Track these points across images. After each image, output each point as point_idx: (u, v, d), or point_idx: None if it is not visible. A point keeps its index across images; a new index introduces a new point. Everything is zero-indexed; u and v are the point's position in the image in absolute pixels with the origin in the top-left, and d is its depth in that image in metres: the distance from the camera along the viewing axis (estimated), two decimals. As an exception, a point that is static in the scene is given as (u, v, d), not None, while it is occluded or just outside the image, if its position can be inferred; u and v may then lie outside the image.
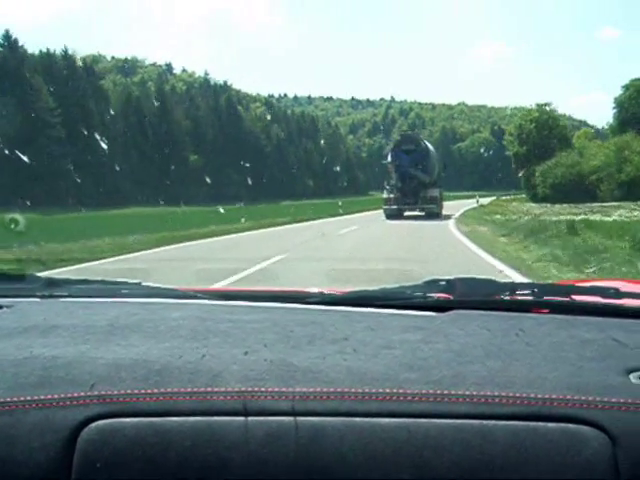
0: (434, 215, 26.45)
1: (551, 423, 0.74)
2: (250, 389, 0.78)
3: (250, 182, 67.06)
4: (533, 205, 38.48)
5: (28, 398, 0.79)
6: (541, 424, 0.74)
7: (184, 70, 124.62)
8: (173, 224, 19.12)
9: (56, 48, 64.14)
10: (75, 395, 0.79)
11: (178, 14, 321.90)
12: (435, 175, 29.41)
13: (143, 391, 0.79)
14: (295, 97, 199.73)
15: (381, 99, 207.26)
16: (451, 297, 1.14)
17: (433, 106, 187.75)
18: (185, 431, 0.75)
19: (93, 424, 0.76)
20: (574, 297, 1.16)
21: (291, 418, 0.75)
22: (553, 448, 0.72)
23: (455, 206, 33.80)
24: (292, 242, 15.35)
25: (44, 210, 32.17)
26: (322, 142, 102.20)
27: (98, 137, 57.82)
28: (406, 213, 27.31)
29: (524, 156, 53.81)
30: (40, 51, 62.53)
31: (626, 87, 56.88)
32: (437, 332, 0.96)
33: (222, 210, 24.39)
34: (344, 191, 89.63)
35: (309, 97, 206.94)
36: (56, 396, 0.79)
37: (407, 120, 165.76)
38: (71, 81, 58.88)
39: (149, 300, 1.23)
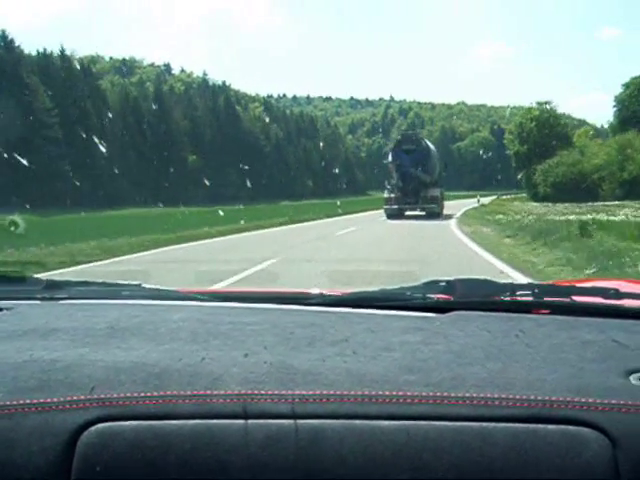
0: (435, 215, 26.24)
1: (551, 425, 0.74)
2: (250, 392, 0.78)
3: (249, 183, 66.84)
4: (535, 204, 38.11)
5: (28, 402, 0.79)
6: (541, 426, 0.74)
7: (182, 70, 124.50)
8: (168, 226, 18.66)
9: (53, 49, 63.82)
10: (75, 398, 0.79)
11: (177, 14, 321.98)
12: (436, 175, 29.18)
13: (143, 394, 0.79)
14: (294, 97, 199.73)
15: (380, 99, 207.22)
16: (451, 298, 1.13)
17: (432, 105, 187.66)
18: (185, 434, 0.75)
19: (93, 427, 0.77)
20: (574, 298, 1.14)
21: (291, 421, 0.75)
22: (553, 450, 0.72)
23: (455, 206, 33.43)
24: (286, 245, 14.68)
25: (41, 212, 31.89)
26: (321, 142, 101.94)
27: (97, 140, 57.52)
28: (407, 213, 27.13)
29: (525, 155, 53.58)
30: (37, 51, 62.20)
31: (626, 85, 56.68)
32: (437, 333, 0.95)
33: (221, 212, 24.15)
34: (343, 191, 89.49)
35: (308, 97, 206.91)
36: (55, 399, 0.79)
37: (406, 120, 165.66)
38: (68, 82, 58.41)
39: (150, 302, 1.21)
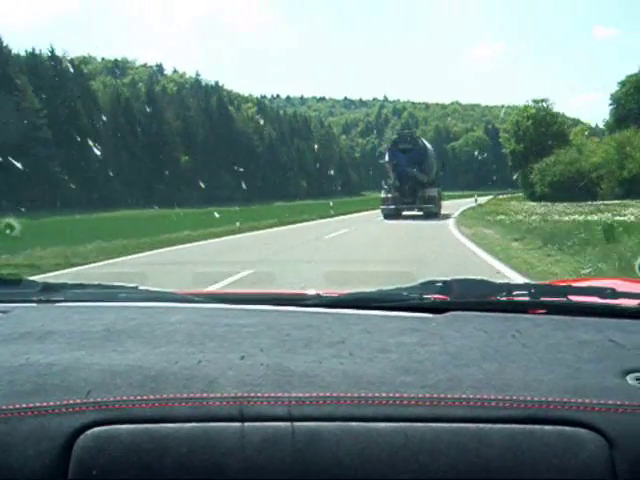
0: (432, 215, 25.90)
1: (548, 426, 0.74)
2: (246, 394, 0.78)
3: (243, 183, 66.12)
4: (533, 204, 37.45)
5: (24, 406, 0.79)
6: (538, 427, 0.74)
7: (175, 71, 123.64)
8: (153, 229, 17.94)
9: (43, 49, 62.83)
10: (71, 402, 0.79)
11: (170, 15, 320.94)
12: (433, 174, 28.83)
13: (139, 397, 0.79)
14: (288, 98, 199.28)
15: (374, 99, 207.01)
16: (447, 298, 1.13)
17: (426, 105, 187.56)
18: (181, 437, 0.75)
19: (89, 431, 0.77)
20: (571, 297, 1.14)
21: (287, 423, 0.75)
22: (550, 451, 0.73)
23: (451, 206, 32.76)
24: (267, 251, 13.18)
25: (30, 214, 31.18)
26: (315, 143, 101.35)
27: (91, 143, 56.70)
28: (404, 213, 26.80)
29: (521, 154, 52.90)
30: (26, 51, 61.28)
31: (622, 83, 56.26)
32: (433, 334, 0.96)
33: (217, 215, 23.50)
34: (337, 192, 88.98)
35: (302, 97, 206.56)
36: (52, 403, 0.79)
37: (400, 120, 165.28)
38: (58, 82, 57.52)
39: (146, 304, 1.20)
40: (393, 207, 26.54)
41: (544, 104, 55.15)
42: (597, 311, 1.09)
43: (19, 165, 44.33)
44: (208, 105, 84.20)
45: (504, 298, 1.14)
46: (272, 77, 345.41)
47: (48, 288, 1.29)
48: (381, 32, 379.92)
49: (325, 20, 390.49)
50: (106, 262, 11.15)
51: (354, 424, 0.75)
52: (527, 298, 1.15)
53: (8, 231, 12.20)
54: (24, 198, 38.20)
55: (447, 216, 26.34)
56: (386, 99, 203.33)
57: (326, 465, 0.73)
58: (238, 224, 19.86)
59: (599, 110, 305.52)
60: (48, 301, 1.24)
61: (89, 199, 49.43)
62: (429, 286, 1.18)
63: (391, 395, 0.77)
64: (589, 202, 34.31)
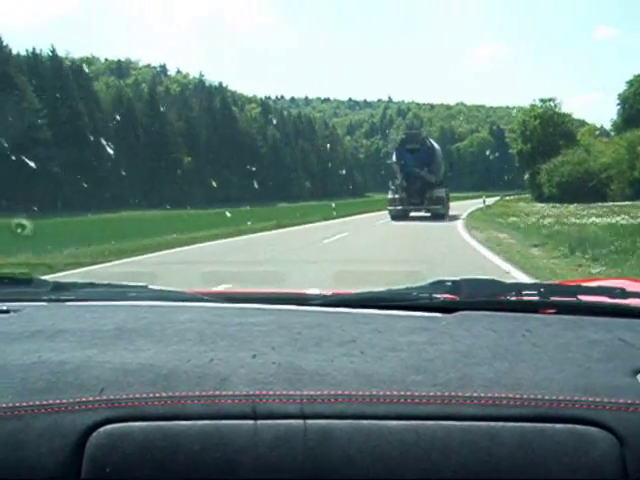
0: (440, 216, 25.41)
1: (558, 424, 0.75)
2: (258, 392, 0.79)
3: (246, 184, 65.55)
4: (542, 205, 36.71)
5: (37, 403, 0.80)
6: (549, 425, 0.75)
7: (178, 71, 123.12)
8: (166, 229, 17.40)
9: (42, 48, 62.21)
10: (83, 400, 0.80)
11: (174, 16, 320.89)
12: (441, 175, 28.33)
13: (151, 395, 0.80)
14: (292, 99, 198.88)
15: (378, 100, 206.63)
16: (457, 298, 1.14)
17: (431, 106, 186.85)
18: (194, 435, 0.76)
19: (102, 428, 0.77)
20: (580, 297, 1.14)
21: (299, 421, 0.76)
22: (561, 449, 0.73)
23: (458, 207, 31.88)
24: (256, 257, 11.82)
25: (31, 215, 30.66)
26: (319, 143, 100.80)
27: (104, 142, 56.26)
28: (412, 214, 26.35)
29: (528, 154, 52.14)
30: (26, 51, 60.64)
31: (630, 83, 55.58)
32: (443, 333, 0.96)
33: (228, 214, 22.98)
34: (341, 193, 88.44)
35: (306, 98, 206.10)
36: (64, 401, 0.80)
37: (405, 120, 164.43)
38: (59, 82, 56.87)
39: (156, 303, 1.20)
40: (400, 208, 26.12)
41: (552, 103, 54.36)
42: (607, 311, 1.08)
43: (32, 163, 44.09)
44: (211, 105, 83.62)
45: (514, 298, 1.14)
46: (276, 78, 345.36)
47: (59, 287, 1.29)
48: (385, 33, 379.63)
49: (330, 21, 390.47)
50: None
51: (365, 422, 0.75)
52: (537, 298, 1.14)
53: (20, 230, 11.96)
54: (23, 199, 37.62)
55: (455, 218, 25.73)
56: (390, 100, 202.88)
57: (338, 463, 0.73)
58: (249, 223, 19.24)
59: (600, 110, 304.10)
60: (59, 300, 1.24)
61: (91, 200, 48.79)
62: (438, 286, 1.17)
63: (402, 393, 0.78)
64: (599, 203, 33.64)
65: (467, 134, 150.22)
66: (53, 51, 61.71)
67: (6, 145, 37.54)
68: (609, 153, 44.19)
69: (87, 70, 74.18)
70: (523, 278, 8.33)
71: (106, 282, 1.36)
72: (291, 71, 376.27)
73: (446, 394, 0.77)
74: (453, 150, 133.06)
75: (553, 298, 1.14)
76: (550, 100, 54.62)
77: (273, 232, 19.96)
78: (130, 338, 0.96)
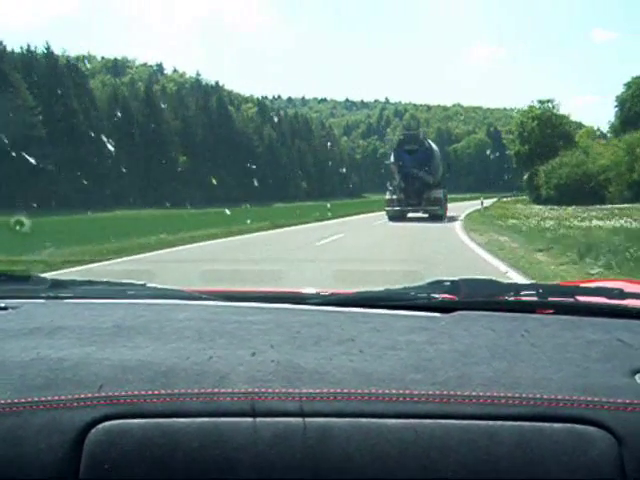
0: (438, 217, 25.23)
1: (557, 424, 0.75)
2: (257, 390, 0.79)
3: (243, 183, 65.17)
4: (540, 207, 36.37)
5: (35, 399, 0.80)
6: (547, 425, 0.75)
7: (175, 70, 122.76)
8: (169, 227, 17.07)
9: (37, 45, 61.63)
10: (82, 396, 0.80)
11: (172, 15, 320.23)
12: (439, 176, 28.08)
13: (150, 392, 0.80)
14: (289, 99, 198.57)
15: (375, 100, 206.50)
16: (455, 298, 1.14)
17: (428, 107, 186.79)
18: (192, 432, 0.76)
19: (100, 425, 0.77)
20: (578, 298, 1.15)
21: (298, 419, 0.76)
22: (559, 449, 0.73)
23: (455, 209, 31.53)
24: (246, 257, 11.17)
25: (25, 214, 30.25)
26: (316, 144, 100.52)
27: (105, 139, 55.63)
28: (409, 215, 26.19)
29: (526, 155, 51.92)
30: (21, 48, 60.05)
31: (628, 85, 55.43)
32: (442, 333, 0.97)
33: (228, 212, 22.58)
34: (338, 193, 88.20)
35: (303, 98, 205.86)
36: (63, 397, 0.80)
37: (402, 121, 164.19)
38: (53, 80, 56.34)
39: (154, 301, 1.21)
40: (398, 209, 25.95)
41: (550, 105, 54.07)
42: (605, 311, 1.09)
43: (32, 160, 43.73)
44: (207, 105, 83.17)
45: (512, 298, 1.14)
46: (273, 78, 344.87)
47: (57, 285, 1.29)
48: (382, 34, 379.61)
49: (327, 22, 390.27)
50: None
51: (364, 420, 0.75)
52: (535, 298, 1.14)
53: (18, 227, 11.94)
54: (17, 197, 37.17)
55: (453, 219, 25.45)
56: (387, 101, 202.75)
57: (337, 461, 0.73)
58: (249, 221, 18.87)
59: (596, 113, 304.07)
60: (57, 297, 1.24)
61: (85, 199, 48.34)
62: (437, 286, 1.18)
63: (401, 392, 0.78)
64: (597, 206, 33.36)
65: (464, 135, 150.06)
66: (48, 48, 61.31)
67: (6, 141, 37.05)
68: (608, 155, 43.93)
69: (83, 68, 73.66)
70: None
71: (104, 280, 1.36)
72: (288, 71, 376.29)
73: (445, 393, 0.77)
74: (450, 151, 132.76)
75: (551, 298, 1.14)
76: (548, 101, 54.43)
77: (266, 233, 19.36)
78: (129, 336, 0.95)
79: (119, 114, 63.82)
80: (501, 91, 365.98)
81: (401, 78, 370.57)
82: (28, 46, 60.21)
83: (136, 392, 0.79)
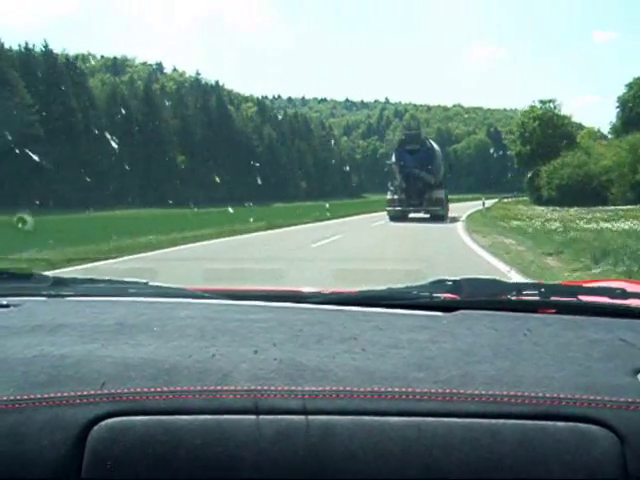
0: (439, 217, 25.05)
1: (560, 422, 0.75)
2: (260, 388, 0.79)
3: (242, 183, 64.88)
4: (542, 208, 36.02)
5: (38, 396, 0.80)
6: (550, 423, 0.75)
7: (175, 69, 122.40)
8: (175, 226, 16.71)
9: (35, 43, 61.19)
10: (85, 393, 0.80)
11: (172, 15, 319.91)
12: (441, 176, 27.83)
13: (152, 389, 0.80)
14: (289, 98, 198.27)
15: (375, 101, 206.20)
16: (457, 297, 1.14)
17: (428, 108, 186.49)
18: (195, 429, 0.76)
19: (103, 422, 0.77)
20: (581, 297, 1.15)
21: (301, 417, 0.76)
22: (562, 447, 0.73)
23: (456, 209, 31.03)
24: (234, 262, 10.50)
25: (29, 211, 29.95)
26: (316, 144, 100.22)
27: (108, 136, 55.26)
28: (410, 215, 26.00)
29: (527, 156, 51.57)
30: (19, 46, 59.58)
31: (630, 86, 55.08)
32: (444, 332, 0.97)
33: (231, 210, 22.17)
34: (337, 193, 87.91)
35: (303, 98, 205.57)
36: (66, 394, 0.80)
37: (402, 122, 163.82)
38: (52, 78, 55.91)
39: (156, 299, 1.21)
40: (399, 209, 25.80)
41: (551, 105, 53.69)
42: (607, 311, 1.09)
43: (35, 157, 43.43)
44: (207, 104, 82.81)
45: (514, 297, 1.14)
46: (273, 78, 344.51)
47: (59, 282, 1.29)
48: (382, 34, 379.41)
49: (328, 22, 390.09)
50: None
51: (367, 418, 0.75)
52: (537, 298, 1.14)
53: (21, 225, 11.78)
54: (15, 196, 36.82)
55: (454, 220, 25.14)
56: (388, 101, 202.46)
57: (339, 458, 0.73)
58: (252, 219, 18.44)
59: (596, 114, 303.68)
60: (58, 295, 1.24)
61: (84, 198, 47.96)
62: (439, 285, 1.18)
63: (404, 390, 0.78)
64: (599, 207, 33.04)
65: (464, 136, 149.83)
66: (46, 46, 60.79)
67: (7, 139, 36.74)
68: (610, 156, 43.54)
69: (82, 67, 73.30)
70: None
71: (106, 278, 1.35)
72: (288, 71, 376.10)
73: (447, 391, 0.78)
74: (450, 152, 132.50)
75: (553, 298, 1.14)
76: (550, 101, 54.07)
77: (260, 234, 18.71)
78: (131, 333, 0.95)
79: (118, 113, 63.45)
80: (501, 92, 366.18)
81: (401, 78, 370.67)
82: (26, 44, 59.75)
83: (139, 389, 0.79)
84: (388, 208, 26.43)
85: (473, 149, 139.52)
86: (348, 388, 0.78)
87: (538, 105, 53.66)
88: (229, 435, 0.74)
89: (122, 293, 1.27)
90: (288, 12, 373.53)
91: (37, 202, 30.99)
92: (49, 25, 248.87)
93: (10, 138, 39.13)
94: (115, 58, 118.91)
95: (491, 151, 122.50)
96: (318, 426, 0.75)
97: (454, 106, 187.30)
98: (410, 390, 0.78)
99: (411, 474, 0.73)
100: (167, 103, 68.97)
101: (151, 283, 1.33)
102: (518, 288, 1.17)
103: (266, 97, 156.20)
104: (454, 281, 1.17)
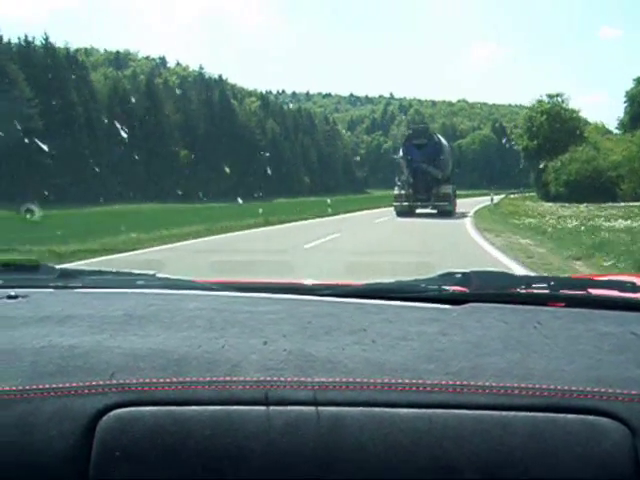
0: (447, 213, 24.76)
1: (570, 415, 0.75)
2: (269, 379, 0.80)
3: (244, 179, 64.27)
4: (551, 204, 35.26)
5: (47, 386, 0.81)
6: (560, 415, 0.75)
7: (178, 64, 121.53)
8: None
9: (35, 36, 60.41)
10: (94, 384, 0.81)
11: (173, 9, 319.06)
12: (448, 171, 27.50)
13: (162, 380, 0.80)
14: (293, 93, 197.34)
15: (380, 96, 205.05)
16: (466, 290, 1.13)
17: (433, 103, 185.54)
18: (204, 420, 0.76)
19: (112, 412, 0.78)
20: (591, 291, 1.14)
21: (311, 408, 0.76)
22: (573, 439, 0.73)
23: (463, 205, 30.31)
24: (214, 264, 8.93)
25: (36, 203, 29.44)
26: (319, 138, 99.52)
27: (118, 125, 54.63)
28: (418, 211, 25.64)
29: (534, 151, 50.64)
30: (18, 39, 58.78)
31: (638, 81, 54.11)
32: (454, 324, 0.96)
33: (240, 200, 21.54)
34: (341, 188, 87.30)
35: (307, 93, 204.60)
36: (74, 384, 0.81)
37: (407, 117, 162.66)
38: (52, 71, 55.16)
39: (165, 291, 1.20)
40: (407, 204, 25.46)
41: (559, 99, 52.76)
42: (617, 304, 1.07)
43: (45, 147, 42.94)
44: (210, 98, 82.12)
45: (524, 290, 1.13)
46: (278, 72, 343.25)
47: (66, 274, 1.29)
48: (387, 29, 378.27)
49: (332, 17, 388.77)
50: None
51: (377, 410, 0.75)
52: (547, 291, 1.13)
53: (29, 216, 11.75)
54: (14, 191, 36.25)
55: (463, 216, 24.56)
56: (392, 96, 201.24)
57: (349, 450, 0.74)
58: (260, 210, 17.98)
59: (601, 110, 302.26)
60: (66, 287, 1.23)
61: (84, 192, 47.41)
62: (448, 278, 1.17)
63: (414, 381, 0.78)
64: (610, 203, 32.32)
65: (469, 131, 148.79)
66: (46, 39, 60.07)
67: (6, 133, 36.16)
68: (619, 151, 42.72)
69: (84, 60, 72.59)
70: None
71: (114, 270, 1.35)
72: (292, 66, 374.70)
73: (458, 383, 0.78)
74: (455, 147, 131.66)
75: (563, 291, 1.13)
76: (557, 95, 53.04)
77: (251, 231, 17.75)
78: (140, 324, 0.95)
79: (120, 107, 62.79)
80: (506, 87, 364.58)
81: (406, 74, 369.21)
82: (26, 37, 58.91)
83: (147, 380, 0.79)
84: (395, 203, 26.05)
85: (478, 144, 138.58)
86: (358, 379, 0.78)
87: (546, 99, 52.73)
88: (238, 426, 0.74)
89: (130, 285, 1.25)
90: (292, 8, 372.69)
91: (42, 195, 30.37)
92: (51, 19, 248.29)
93: (9, 131, 38.55)
94: (118, 52, 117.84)
95: (503, 141, 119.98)
96: (328, 417, 0.75)
97: (459, 101, 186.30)
98: (420, 382, 0.78)
99: (421, 466, 0.73)
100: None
101: (159, 275, 1.32)
102: (528, 281, 1.16)
103: (270, 92, 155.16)
104: (463, 274, 1.16)
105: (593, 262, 9.12)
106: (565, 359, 0.82)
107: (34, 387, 0.79)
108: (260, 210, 20.68)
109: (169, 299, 1.11)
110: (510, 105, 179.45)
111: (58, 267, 1.34)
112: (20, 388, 0.80)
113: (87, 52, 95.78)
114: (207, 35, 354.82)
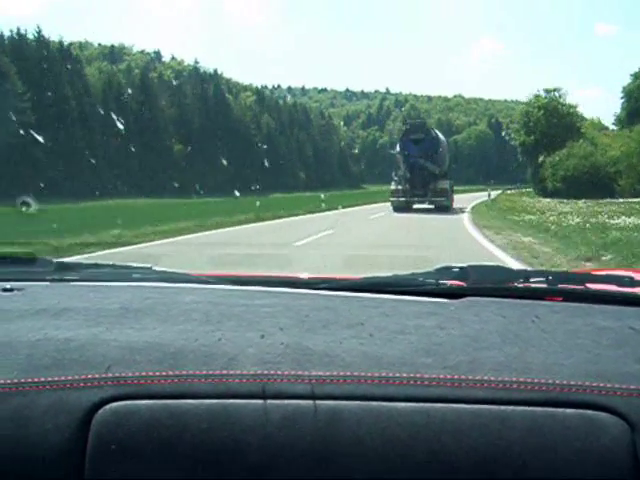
0: (444, 208, 24.65)
1: (569, 409, 0.75)
2: (267, 372, 0.79)
3: (239, 173, 63.88)
4: (549, 200, 34.94)
5: (42, 379, 0.80)
6: (559, 410, 0.75)
7: (173, 58, 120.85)
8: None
9: (27, 28, 59.72)
10: (89, 377, 0.80)
11: (170, 2, 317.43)
12: (445, 166, 27.35)
13: (158, 373, 0.80)
14: (289, 88, 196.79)
15: (376, 91, 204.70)
16: (464, 284, 1.14)
17: (429, 98, 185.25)
18: (201, 413, 0.76)
19: (108, 406, 0.77)
20: (588, 285, 1.14)
21: (308, 401, 0.76)
22: (571, 434, 0.73)
23: (459, 200, 30.05)
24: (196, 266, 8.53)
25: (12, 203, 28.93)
26: (315, 133, 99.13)
27: (114, 116, 54.06)
28: (415, 206, 25.49)
29: (531, 146, 50.25)
30: (10, 32, 58.10)
31: (635, 76, 53.85)
32: (451, 318, 0.97)
33: (237, 193, 21.16)
34: (336, 183, 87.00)
35: (303, 88, 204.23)
36: (70, 377, 0.80)
37: (402, 112, 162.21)
38: (45, 65, 54.53)
39: (161, 284, 1.21)
40: (403, 199, 25.35)
41: (556, 94, 52.36)
42: (615, 299, 1.08)
43: (40, 138, 42.50)
44: (205, 92, 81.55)
45: (521, 285, 1.13)
46: (273, 67, 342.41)
47: (63, 267, 1.29)
48: (384, 24, 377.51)
49: (328, 12, 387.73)
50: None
51: (375, 403, 0.75)
52: (545, 285, 1.13)
53: (24, 209, 11.78)
54: (8, 185, 35.76)
55: (460, 211, 24.39)
56: (388, 91, 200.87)
57: (347, 444, 0.73)
58: (258, 203, 17.83)
59: (597, 106, 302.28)
60: (62, 280, 1.24)
61: (77, 187, 46.92)
62: (445, 272, 1.18)
63: (412, 375, 0.78)
64: (607, 199, 32.05)
65: (465, 127, 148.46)
66: (39, 32, 59.34)
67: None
68: (617, 147, 42.40)
69: (78, 54, 71.94)
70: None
71: (110, 263, 1.35)
72: (288, 61, 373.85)
73: (456, 377, 0.77)
74: (451, 143, 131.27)
75: (561, 285, 1.12)
76: (555, 90, 52.62)
77: (242, 227, 17.18)
78: (136, 317, 0.95)
79: (114, 101, 62.25)
80: (503, 83, 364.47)
81: (402, 69, 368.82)
82: (18, 30, 58.08)
83: (144, 373, 0.78)
84: (392, 199, 25.84)
85: (474, 140, 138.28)
86: (356, 373, 0.78)
87: (543, 94, 52.34)
88: (235, 419, 0.74)
89: (126, 278, 1.25)
90: (289, 4, 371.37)
91: (37, 188, 29.99)
92: (45, 13, 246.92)
93: (3, 125, 38.08)
94: (112, 46, 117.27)
95: (503, 134, 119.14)
96: (325, 411, 0.74)
97: (455, 97, 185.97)
98: (418, 376, 0.77)
99: (419, 460, 0.72)
100: (153, 95, 67.42)
101: (155, 268, 1.32)
102: (525, 275, 1.15)
103: (265, 87, 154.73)
104: (461, 268, 1.15)
105: (604, 263, 8.46)
106: (563, 353, 0.82)
107: (29, 380, 0.79)
108: (257, 203, 20.19)
109: (165, 292, 1.10)
110: (506, 101, 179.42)
111: (55, 260, 1.31)
112: (15, 381, 0.79)
113: (81, 46, 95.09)
114: (202, 29, 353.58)
